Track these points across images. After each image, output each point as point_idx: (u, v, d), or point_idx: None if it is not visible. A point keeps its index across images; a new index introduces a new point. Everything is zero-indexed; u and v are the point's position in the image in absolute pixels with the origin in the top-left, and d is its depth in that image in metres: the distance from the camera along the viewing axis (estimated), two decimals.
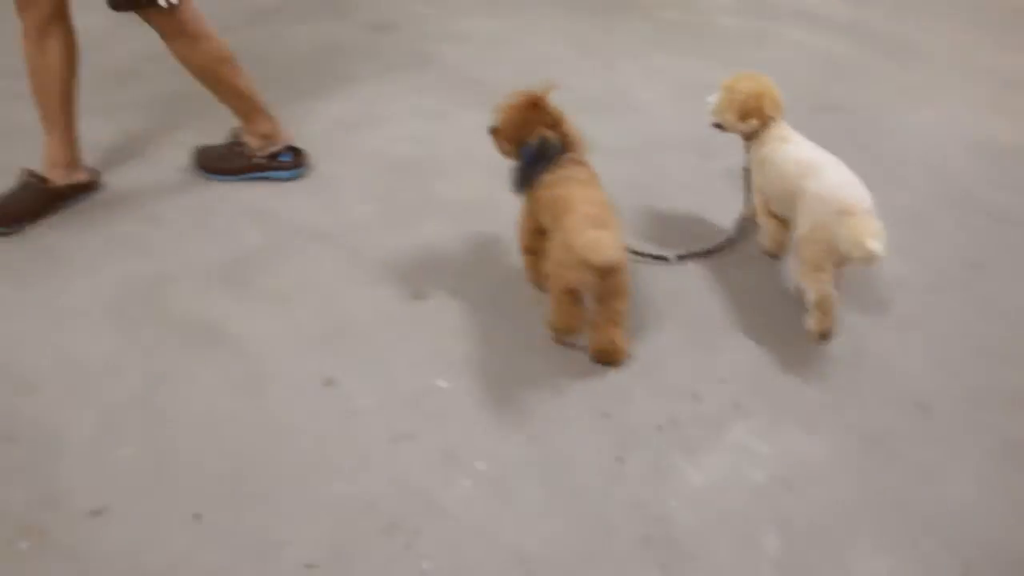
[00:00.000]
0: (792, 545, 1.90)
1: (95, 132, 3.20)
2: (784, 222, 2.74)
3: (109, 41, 3.94)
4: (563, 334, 2.39)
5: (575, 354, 2.36)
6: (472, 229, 2.85)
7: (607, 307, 2.29)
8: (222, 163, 3.11)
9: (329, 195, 3.02)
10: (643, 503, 1.97)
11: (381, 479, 2.00)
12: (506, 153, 2.46)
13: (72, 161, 2.92)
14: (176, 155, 3.19)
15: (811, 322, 2.47)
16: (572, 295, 2.28)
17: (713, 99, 2.83)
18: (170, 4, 2.67)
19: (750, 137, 2.77)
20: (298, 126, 3.33)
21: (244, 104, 3.04)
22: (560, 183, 2.31)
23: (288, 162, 3.14)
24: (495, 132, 2.44)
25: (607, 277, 2.18)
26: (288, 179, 3.12)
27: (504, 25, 4.51)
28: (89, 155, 3.04)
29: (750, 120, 2.73)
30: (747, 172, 2.83)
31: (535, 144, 2.36)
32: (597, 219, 2.18)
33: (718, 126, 2.85)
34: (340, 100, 3.66)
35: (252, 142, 3.11)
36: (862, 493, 2.02)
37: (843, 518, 1.96)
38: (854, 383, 2.33)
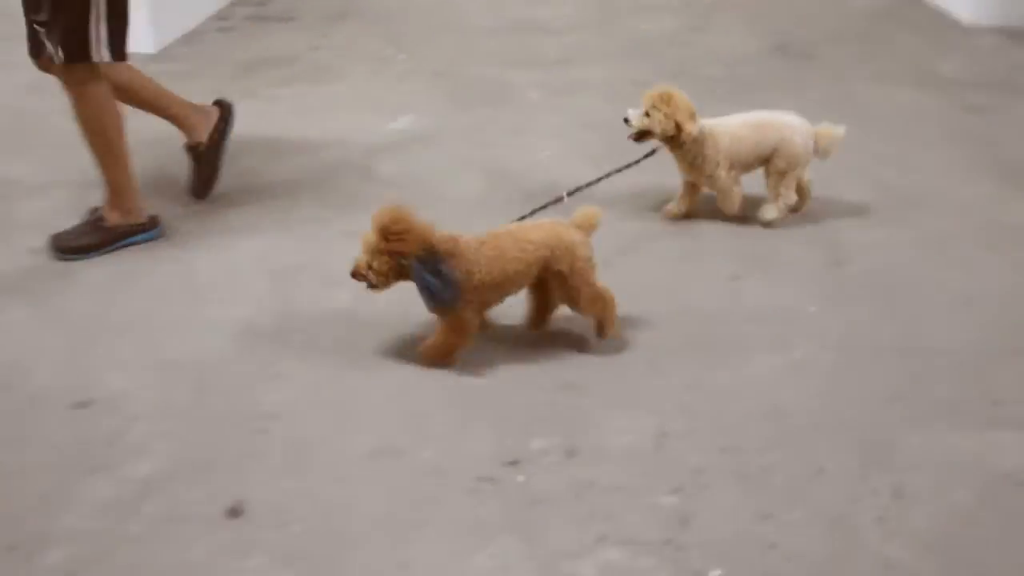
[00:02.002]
0: None
1: None
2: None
3: None
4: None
5: None
6: None
7: None
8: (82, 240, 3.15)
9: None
10: None
11: None
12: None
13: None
14: None
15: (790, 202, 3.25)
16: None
17: (635, 113, 3.06)
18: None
19: (680, 140, 3.05)
20: None
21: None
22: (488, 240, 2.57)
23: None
24: None
25: None
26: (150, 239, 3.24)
27: None
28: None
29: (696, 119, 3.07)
30: (698, 168, 3.16)
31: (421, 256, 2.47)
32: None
33: (642, 136, 3.10)
34: None
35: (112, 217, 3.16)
36: None
37: None
38: None
